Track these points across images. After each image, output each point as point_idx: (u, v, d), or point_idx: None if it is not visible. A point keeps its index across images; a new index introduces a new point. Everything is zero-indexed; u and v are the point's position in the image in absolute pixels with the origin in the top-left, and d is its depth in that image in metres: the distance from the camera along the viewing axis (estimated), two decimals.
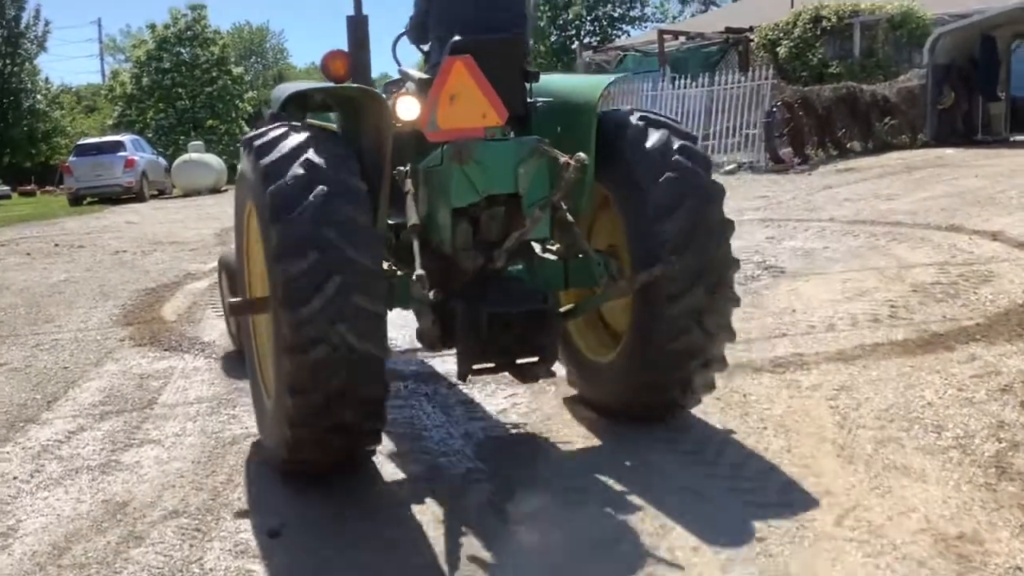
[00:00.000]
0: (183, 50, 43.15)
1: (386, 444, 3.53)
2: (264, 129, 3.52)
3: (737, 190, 13.33)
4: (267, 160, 3.26)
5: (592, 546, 2.75)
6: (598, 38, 43.73)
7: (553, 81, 4.26)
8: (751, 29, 22.62)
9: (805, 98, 16.52)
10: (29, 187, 52.31)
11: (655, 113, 3.90)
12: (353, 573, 2.69)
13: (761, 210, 10.26)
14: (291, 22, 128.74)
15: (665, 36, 24.50)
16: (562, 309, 3.75)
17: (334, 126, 3.92)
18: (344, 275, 3.06)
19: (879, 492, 2.93)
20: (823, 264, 6.62)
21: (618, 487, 3.12)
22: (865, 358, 4.26)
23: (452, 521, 2.99)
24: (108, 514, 3.10)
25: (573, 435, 3.74)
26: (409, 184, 3.55)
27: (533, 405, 4.11)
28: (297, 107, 3.92)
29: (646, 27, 45.72)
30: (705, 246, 3.45)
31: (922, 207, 8.93)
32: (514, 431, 3.88)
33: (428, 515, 3.04)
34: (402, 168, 3.56)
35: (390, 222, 3.74)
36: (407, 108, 3.64)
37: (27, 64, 41.13)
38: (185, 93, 41.45)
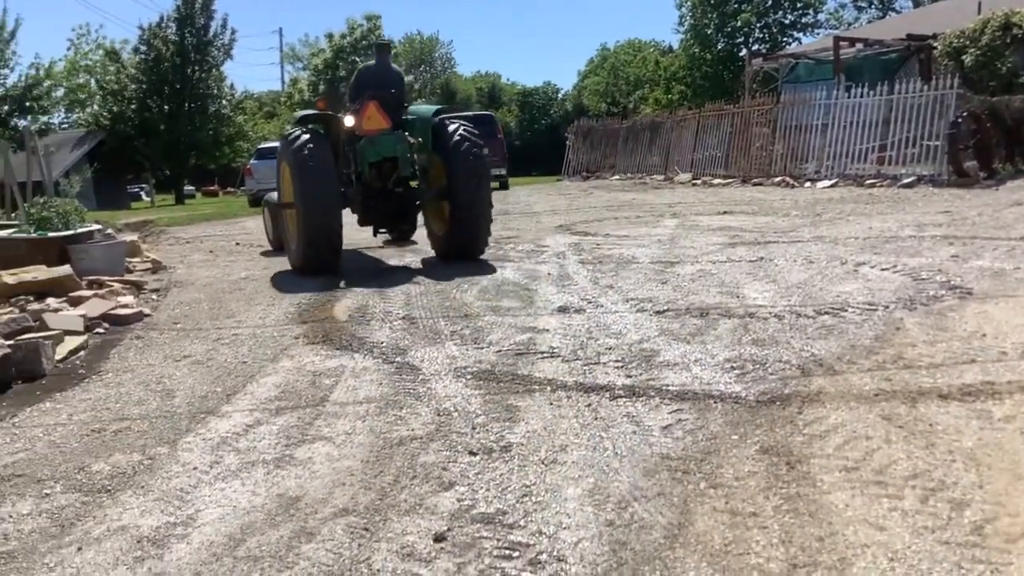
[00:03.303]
0: (358, 59, 44.80)
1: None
2: (292, 130, 8.90)
3: (916, 204, 12.72)
4: (293, 142, 8.47)
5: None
6: (767, 45, 42.65)
7: (416, 107, 9.58)
8: (934, 36, 21.58)
9: (993, 108, 15.57)
10: (212, 188, 55.63)
11: (470, 130, 8.90)
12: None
13: (944, 226, 9.72)
14: (460, 33, 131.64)
15: (841, 43, 23.67)
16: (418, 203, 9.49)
17: (321, 129, 9.01)
18: (321, 186, 8.26)
19: None
20: (1015, 286, 6.18)
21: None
22: None
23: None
24: (281, 508, 3.19)
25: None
26: (351, 154, 9.13)
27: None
28: (304, 122, 9.08)
29: (818, 34, 44.32)
30: (481, 189, 8.76)
31: None
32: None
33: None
34: (348, 147, 9.08)
35: (345, 171, 9.17)
36: (349, 121, 9.03)
37: (214, 71, 43.59)
38: None
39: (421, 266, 9.17)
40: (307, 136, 8.50)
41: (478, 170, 8.73)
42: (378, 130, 8.82)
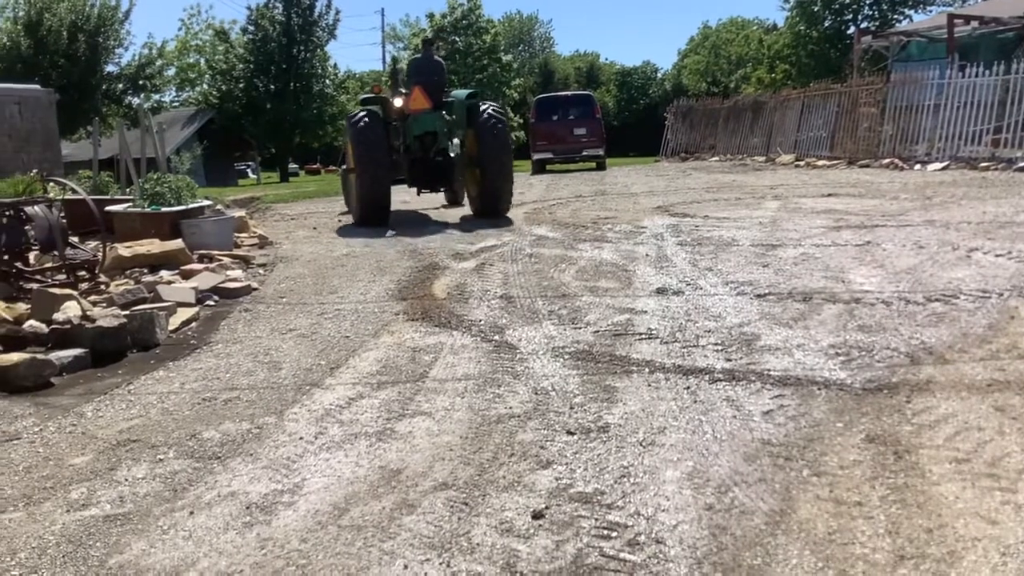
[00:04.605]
0: (458, 38, 45.11)
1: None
2: (356, 111, 11.71)
3: None
4: (354, 120, 11.33)
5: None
6: (877, 23, 41.27)
7: (455, 92, 12.06)
8: None
9: None
10: (315, 166, 56.67)
11: (498, 109, 11.71)
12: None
13: None
14: (559, 12, 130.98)
15: (955, 21, 22.77)
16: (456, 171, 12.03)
17: (377, 110, 11.57)
18: (374, 155, 10.97)
19: None
20: None
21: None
22: None
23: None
24: (383, 480, 3.26)
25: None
26: (400, 129, 11.62)
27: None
28: (364, 103, 11.96)
29: (931, 11, 42.65)
30: (504, 157, 11.41)
31: None
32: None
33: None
34: (399, 124, 11.62)
35: (396, 143, 11.60)
36: (399, 102, 11.55)
37: (318, 50, 44.32)
38: (457, 80, 43.35)
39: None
40: (365, 115, 11.21)
41: (502, 144, 11.40)
42: (422, 110, 11.37)
